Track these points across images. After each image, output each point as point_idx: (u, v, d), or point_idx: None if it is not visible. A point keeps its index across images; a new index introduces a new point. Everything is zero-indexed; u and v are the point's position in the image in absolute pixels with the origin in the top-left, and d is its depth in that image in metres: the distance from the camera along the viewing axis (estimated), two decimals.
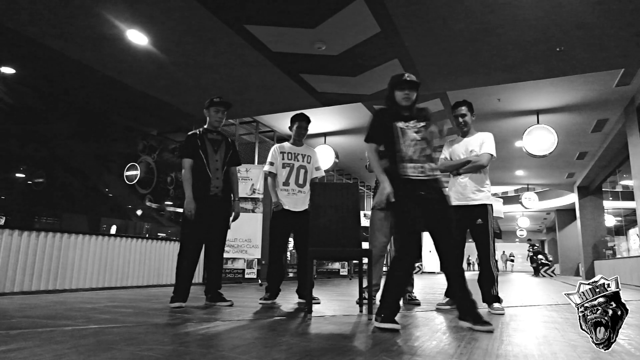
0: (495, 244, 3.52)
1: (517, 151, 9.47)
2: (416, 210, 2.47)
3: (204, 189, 3.43)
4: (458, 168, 3.48)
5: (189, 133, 3.56)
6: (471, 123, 3.57)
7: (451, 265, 2.49)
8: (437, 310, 3.41)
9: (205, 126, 3.61)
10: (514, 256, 29.18)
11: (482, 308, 3.45)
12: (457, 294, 2.49)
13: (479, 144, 3.46)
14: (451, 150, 3.61)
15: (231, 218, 3.64)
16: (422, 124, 2.58)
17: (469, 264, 25.04)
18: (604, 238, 13.45)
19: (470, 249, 3.82)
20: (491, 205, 3.43)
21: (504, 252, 30.00)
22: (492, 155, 3.42)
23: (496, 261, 3.51)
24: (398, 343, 1.99)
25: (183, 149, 3.49)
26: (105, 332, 2.13)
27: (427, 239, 17.16)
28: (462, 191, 3.44)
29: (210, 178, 3.46)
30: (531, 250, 16.74)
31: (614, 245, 13.47)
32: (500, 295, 3.37)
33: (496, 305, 3.28)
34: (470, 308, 2.40)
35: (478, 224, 3.36)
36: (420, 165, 2.51)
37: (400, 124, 2.56)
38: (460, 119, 3.54)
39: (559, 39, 4.60)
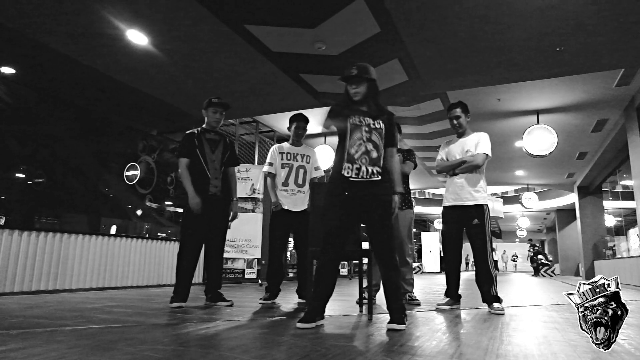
0: (494, 243, 3.54)
1: (517, 151, 9.47)
2: (340, 209, 2.47)
3: (203, 189, 3.43)
4: (454, 168, 3.49)
5: (187, 132, 3.55)
6: (466, 124, 3.57)
7: (384, 268, 2.49)
8: (437, 310, 3.41)
9: (204, 126, 3.61)
10: (516, 256, 29.15)
11: (482, 308, 3.46)
12: (386, 296, 2.48)
13: (475, 144, 3.46)
14: (447, 151, 3.63)
15: (229, 218, 3.64)
16: (380, 124, 2.51)
17: (467, 264, 25.03)
18: (604, 238, 13.45)
19: (467, 249, 3.87)
20: (487, 205, 3.42)
21: (505, 251, 30.00)
22: (487, 155, 3.42)
23: (495, 261, 3.52)
24: (398, 343, 1.99)
25: (180, 149, 3.49)
26: (105, 332, 2.13)
27: (426, 239, 17.03)
28: (458, 192, 3.45)
29: (209, 178, 3.46)
30: (531, 250, 16.75)
31: (614, 246, 13.48)
32: (500, 295, 3.37)
33: (496, 305, 3.28)
34: (395, 310, 2.40)
35: (474, 224, 3.35)
36: (357, 167, 2.45)
37: (355, 120, 2.50)
38: (455, 121, 3.56)
39: (559, 39, 4.60)
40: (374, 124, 2.50)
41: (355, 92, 2.51)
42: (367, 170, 2.45)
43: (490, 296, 3.31)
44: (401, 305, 2.43)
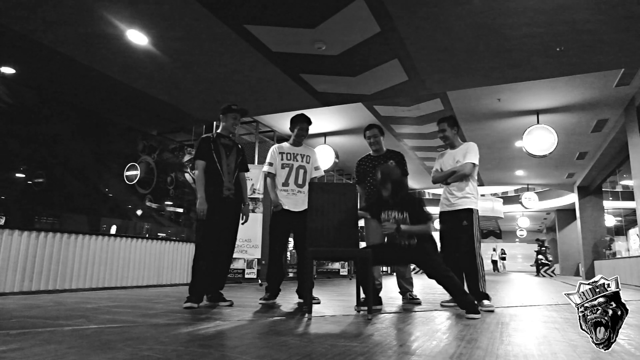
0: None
1: (517, 151, 9.47)
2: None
3: (217, 191, 3.48)
4: (446, 178, 3.74)
5: (203, 136, 3.62)
6: (453, 137, 3.82)
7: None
8: (442, 306, 3.51)
9: (219, 131, 3.69)
10: (505, 253, 27.98)
11: (482, 308, 3.46)
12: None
13: (463, 154, 3.70)
14: (442, 162, 3.87)
15: (242, 221, 3.70)
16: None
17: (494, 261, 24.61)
18: (604, 238, 13.44)
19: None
20: (476, 210, 3.66)
21: (502, 250, 29.31)
22: (474, 164, 3.66)
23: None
24: (398, 343, 1.99)
25: (197, 151, 3.55)
26: (105, 332, 2.13)
27: None
28: (449, 198, 3.70)
29: (224, 181, 3.52)
30: (537, 249, 16.55)
31: (611, 244, 13.44)
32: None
33: (486, 302, 3.44)
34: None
35: (463, 225, 3.58)
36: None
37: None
38: (440, 134, 3.85)
39: (559, 39, 4.60)
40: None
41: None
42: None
43: (478, 293, 3.47)
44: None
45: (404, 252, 3.11)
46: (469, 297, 3.01)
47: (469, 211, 3.60)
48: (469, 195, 3.63)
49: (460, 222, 3.59)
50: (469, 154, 3.66)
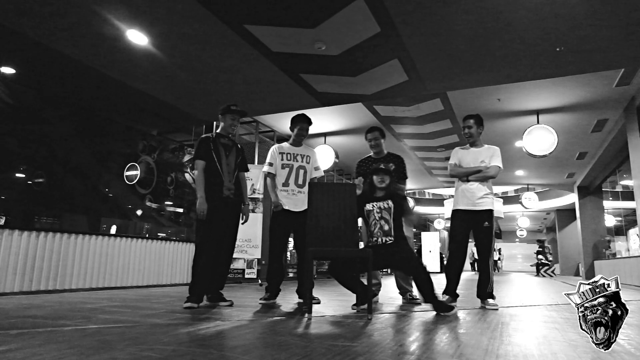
0: (495, 244, 3.81)
1: (517, 151, 9.47)
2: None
3: (217, 191, 3.48)
4: (468, 175, 3.76)
5: (202, 136, 3.63)
6: (477, 135, 3.84)
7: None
8: None
9: (218, 131, 3.69)
10: (501, 254, 27.63)
11: (482, 307, 3.46)
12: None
13: (489, 156, 3.75)
14: (460, 157, 3.87)
15: (242, 221, 3.70)
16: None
17: (472, 264, 24.69)
18: (604, 238, 13.44)
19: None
20: (493, 210, 3.73)
21: (494, 249, 28.34)
22: (500, 168, 3.74)
23: (495, 261, 3.78)
24: (398, 343, 1.99)
25: (196, 151, 3.55)
26: (105, 332, 2.13)
27: (426, 239, 17.05)
28: (470, 197, 3.71)
29: (223, 181, 3.51)
30: (537, 250, 16.48)
31: (609, 244, 13.42)
32: (500, 295, 3.46)
33: (491, 301, 3.56)
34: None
35: (485, 226, 3.65)
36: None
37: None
38: (467, 130, 3.84)
39: (559, 39, 4.60)
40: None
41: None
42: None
43: (485, 293, 3.59)
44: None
45: (386, 255, 3.18)
46: (437, 299, 3.18)
47: (490, 212, 3.68)
48: (489, 195, 3.72)
49: (482, 222, 3.66)
50: (496, 157, 3.74)
